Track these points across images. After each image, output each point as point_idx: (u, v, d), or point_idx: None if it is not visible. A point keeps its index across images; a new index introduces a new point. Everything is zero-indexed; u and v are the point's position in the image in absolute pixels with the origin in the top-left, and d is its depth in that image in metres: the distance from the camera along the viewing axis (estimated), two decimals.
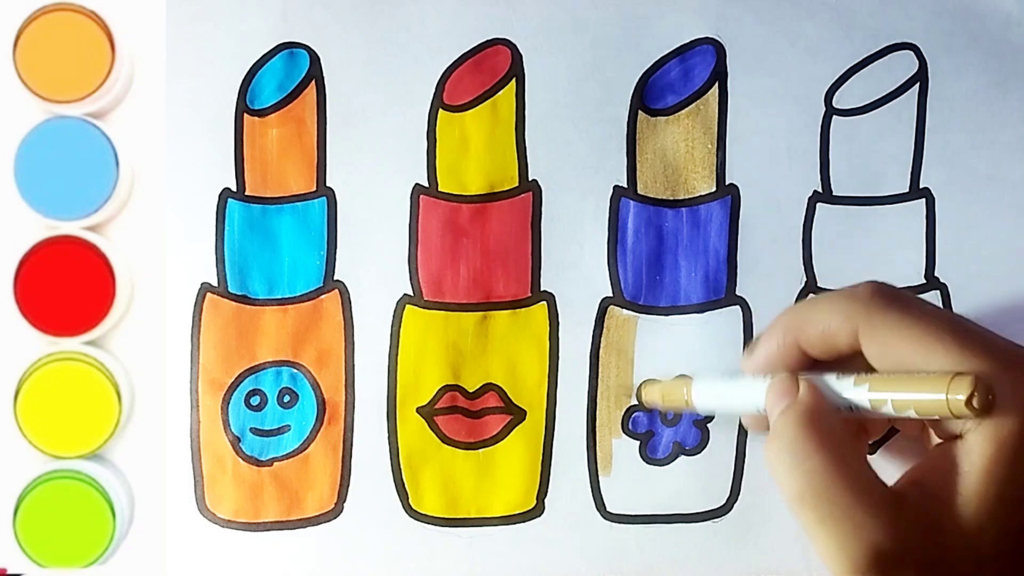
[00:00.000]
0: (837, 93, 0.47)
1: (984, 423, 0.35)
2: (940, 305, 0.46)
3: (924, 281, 0.47)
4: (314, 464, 0.46)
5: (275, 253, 0.47)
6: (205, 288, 0.46)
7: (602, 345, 0.47)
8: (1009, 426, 0.35)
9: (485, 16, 0.47)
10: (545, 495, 0.47)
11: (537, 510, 0.47)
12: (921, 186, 0.47)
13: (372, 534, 0.46)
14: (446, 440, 0.47)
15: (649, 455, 0.47)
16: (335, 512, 0.46)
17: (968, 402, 0.34)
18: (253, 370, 0.46)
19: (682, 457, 0.47)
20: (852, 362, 0.38)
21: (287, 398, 0.46)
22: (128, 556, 0.46)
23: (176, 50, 0.46)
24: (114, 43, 0.44)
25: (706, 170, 0.47)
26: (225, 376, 0.46)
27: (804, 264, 0.47)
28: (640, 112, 0.47)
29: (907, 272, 0.47)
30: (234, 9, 0.46)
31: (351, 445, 0.46)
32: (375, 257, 0.47)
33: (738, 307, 0.47)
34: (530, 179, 0.47)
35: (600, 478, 0.47)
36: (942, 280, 0.47)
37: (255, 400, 0.46)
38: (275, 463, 0.46)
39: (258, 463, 0.46)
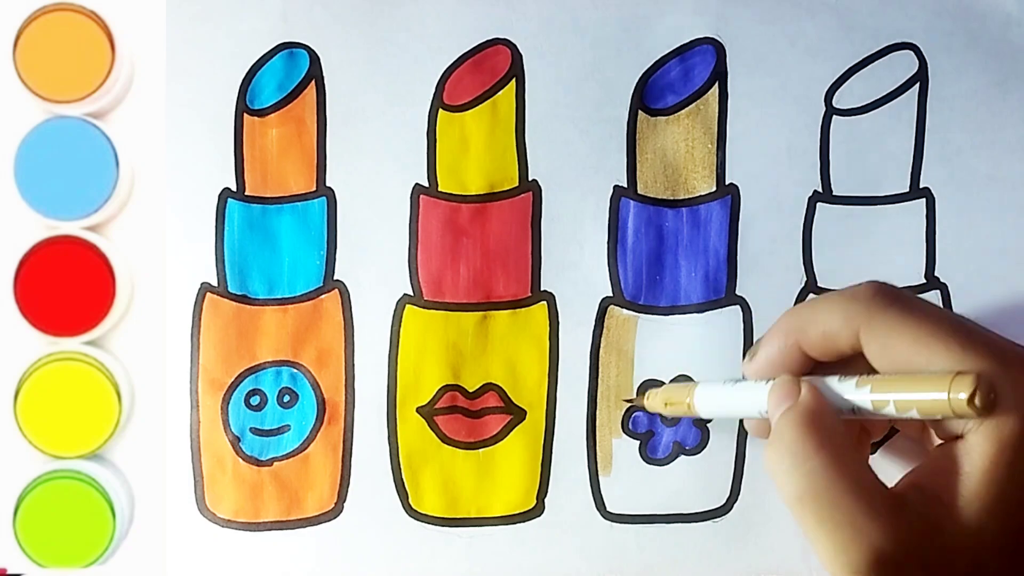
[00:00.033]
0: (837, 93, 0.47)
1: (985, 423, 0.35)
2: (940, 305, 0.46)
3: (924, 281, 0.47)
4: (314, 464, 0.46)
5: (275, 253, 0.47)
6: (205, 288, 0.46)
7: (602, 345, 0.47)
8: (1010, 426, 0.35)
9: (485, 16, 0.47)
10: (545, 495, 0.47)
11: (537, 510, 0.47)
12: (921, 186, 0.47)
13: (372, 534, 0.46)
14: (446, 440, 0.47)
15: (649, 455, 0.47)
16: (335, 512, 0.46)
17: (970, 401, 0.34)
18: (253, 370, 0.46)
19: (682, 457, 0.47)
20: (854, 363, 0.38)
21: (287, 398, 0.46)
22: (128, 556, 0.46)
23: (176, 50, 0.46)
24: (114, 43, 0.44)
25: (706, 170, 0.47)
26: (225, 376, 0.46)
27: (804, 264, 0.47)
28: (640, 112, 0.47)
29: (907, 272, 0.47)
30: (234, 9, 0.46)
31: (351, 445, 0.46)
32: (375, 257, 0.47)
33: (738, 307, 0.47)
34: (530, 179, 0.47)
35: (600, 478, 0.47)
36: (942, 280, 0.47)
37: (255, 400, 0.46)
38: (275, 463, 0.46)
39: (258, 463, 0.46)
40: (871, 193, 0.47)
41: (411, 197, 0.47)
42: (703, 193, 0.47)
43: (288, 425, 0.46)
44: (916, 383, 0.36)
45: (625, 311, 0.47)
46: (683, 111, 0.47)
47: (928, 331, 0.36)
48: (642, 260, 0.47)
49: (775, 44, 0.47)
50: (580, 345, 0.47)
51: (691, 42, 0.47)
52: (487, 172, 0.47)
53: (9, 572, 0.45)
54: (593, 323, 0.47)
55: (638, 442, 0.47)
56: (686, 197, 0.47)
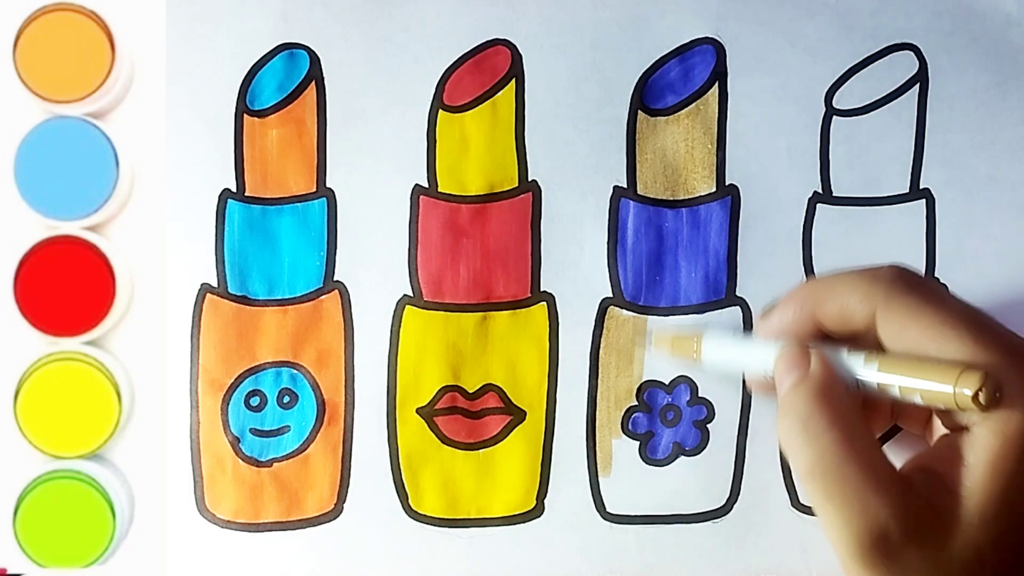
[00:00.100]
0: (837, 93, 0.47)
1: (991, 418, 0.35)
2: None
3: None
4: (314, 464, 0.46)
5: (275, 254, 0.47)
6: (205, 288, 0.46)
7: (602, 345, 0.47)
8: (1016, 421, 0.35)
9: (485, 16, 0.47)
10: (545, 495, 0.47)
11: (537, 510, 0.47)
12: (921, 186, 0.47)
13: (372, 534, 0.46)
14: (446, 440, 0.47)
15: (649, 455, 0.47)
16: (335, 512, 0.46)
17: (975, 397, 0.34)
18: (253, 370, 0.46)
19: (682, 457, 0.47)
20: (864, 341, 0.38)
21: (287, 398, 0.46)
22: (128, 556, 0.46)
23: (176, 50, 0.46)
24: (114, 43, 0.44)
25: (706, 170, 0.47)
26: (225, 376, 0.46)
27: (804, 264, 0.47)
28: (640, 112, 0.47)
29: None
30: (234, 9, 0.46)
31: (351, 445, 0.46)
32: (375, 257, 0.47)
33: (738, 307, 0.47)
34: (530, 179, 0.47)
35: (600, 478, 0.47)
36: (942, 280, 0.47)
37: (255, 401, 0.46)
38: (275, 463, 0.46)
39: (258, 463, 0.46)
40: (871, 194, 0.47)
41: (411, 197, 0.47)
42: (703, 193, 0.47)
43: (288, 426, 0.46)
44: (924, 370, 0.36)
45: (625, 311, 0.47)
46: (683, 111, 0.47)
47: (944, 320, 0.36)
48: (642, 260, 0.47)
49: (775, 44, 0.47)
50: (580, 345, 0.47)
51: (691, 42, 0.47)
52: (487, 172, 0.47)
53: (9, 572, 0.45)
54: (593, 323, 0.47)
55: (638, 443, 0.47)
56: (686, 197, 0.47)
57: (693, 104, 0.47)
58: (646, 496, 0.47)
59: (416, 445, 0.47)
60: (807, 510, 0.47)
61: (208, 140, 0.46)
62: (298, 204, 0.47)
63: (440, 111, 0.47)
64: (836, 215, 0.47)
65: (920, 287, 0.38)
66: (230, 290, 0.46)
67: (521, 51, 0.47)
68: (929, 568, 0.35)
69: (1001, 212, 0.47)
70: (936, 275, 0.47)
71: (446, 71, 0.47)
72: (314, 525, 0.46)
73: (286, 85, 0.46)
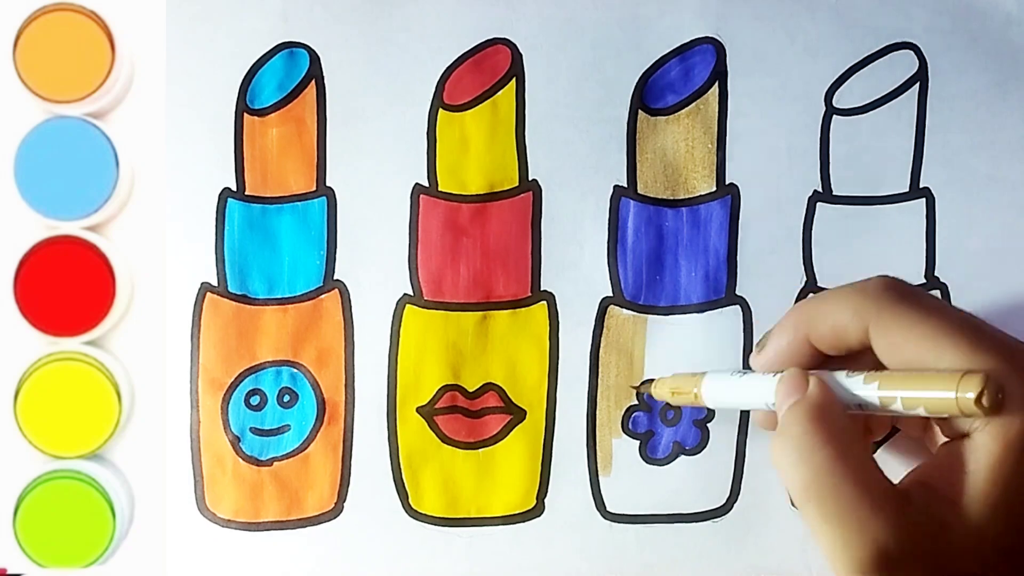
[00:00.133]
0: (837, 93, 0.47)
1: (992, 423, 0.35)
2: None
3: (924, 281, 0.47)
4: (314, 464, 0.46)
5: (275, 253, 0.47)
6: (205, 288, 0.46)
7: (602, 345, 0.47)
8: (1017, 426, 0.35)
9: (485, 16, 0.47)
10: (545, 495, 0.47)
11: (537, 510, 0.47)
12: (921, 186, 0.47)
13: (372, 534, 0.46)
14: (446, 440, 0.47)
15: (649, 455, 0.47)
16: (335, 512, 0.46)
17: (978, 401, 0.34)
18: (253, 370, 0.46)
19: (682, 457, 0.47)
20: (862, 357, 0.38)
21: (287, 398, 0.46)
22: (128, 556, 0.46)
23: (176, 50, 0.46)
24: (114, 43, 0.44)
25: (706, 170, 0.47)
26: (225, 376, 0.46)
27: (804, 264, 0.47)
28: (640, 112, 0.47)
29: (907, 272, 0.47)
30: (234, 9, 0.46)
31: (351, 445, 0.46)
32: (375, 257, 0.47)
33: (738, 307, 0.47)
34: (530, 179, 0.47)
35: (600, 478, 0.47)
36: (942, 280, 0.47)
37: (255, 400, 0.46)
38: (275, 463, 0.46)
39: (258, 463, 0.46)
40: (871, 193, 0.47)
41: (411, 197, 0.47)
42: (703, 193, 0.47)
43: (288, 425, 0.46)
44: (924, 381, 0.36)
45: (625, 311, 0.47)
46: (683, 111, 0.47)
47: (937, 328, 0.36)
48: (642, 260, 0.47)
49: (775, 44, 0.47)
50: (580, 345, 0.47)
51: (691, 42, 0.47)
52: (487, 172, 0.47)
53: (9, 572, 0.45)
54: (593, 323, 0.47)
55: (638, 442, 0.47)
56: (686, 197, 0.47)
57: (693, 104, 0.47)
58: (646, 495, 0.47)
59: (416, 444, 0.47)
60: None
61: (208, 139, 0.46)
62: (298, 203, 0.47)
63: (440, 110, 0.47)
64: (836, 214, 0.47)
65: (910, 297, 0.38)
66: (230, 289, 0.46)
67: (521, 51, 0.47)
68: None
69: (1001, 212, 0.47)
70: (936, 275, 0.47)
71: (446, 70, 0.47)
72: (314, 524, 0.46)
73: (286, 84, 0.46)
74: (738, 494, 0.47)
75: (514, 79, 0.47)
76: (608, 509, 0.47)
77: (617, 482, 0.47)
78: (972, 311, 0.38)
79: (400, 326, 0.47)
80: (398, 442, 0.47)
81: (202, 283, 0.46)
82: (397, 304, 0.47)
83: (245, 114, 0.46)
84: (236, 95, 0.46)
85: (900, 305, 0.37)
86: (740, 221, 0.47)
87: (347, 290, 0.47)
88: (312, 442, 0.46)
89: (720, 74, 0.47)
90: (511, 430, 0.47)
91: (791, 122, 0.47)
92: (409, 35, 0.47)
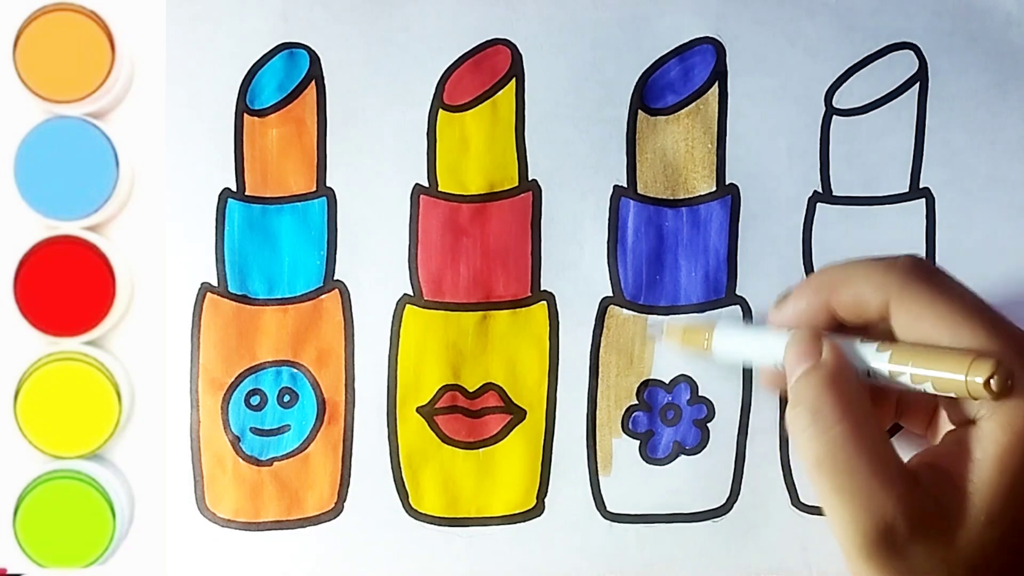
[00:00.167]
0: (837, 93, 0.47)
1: (998, 411, 0.35)
2: None
3: None
4: (314, 464, 0.46)
5: (275, 253, 0.47)
6: (205, 288, 0.46)
7: (602, 344, 0.47)
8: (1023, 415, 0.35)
9: (485, 16, 0.47)
10: (545, 495, 0.47)
11: (537, 510, 0.47)
12: (921, 186, 0.47)
13: (372, 534, 0.46)
14: (446, 440, 0.47)
15: (649, 455, 0.47)
16: (335, 512, 0.46)
17: (987, 384, 0.34)
18: (253, 370, 0.46)
19: (682, 457, 0.47)
20: (877, 331, 0.38)
21: (287, 398, 0.46)
22: (128, 556, 0.46)
23: (176, 50, 0.46)
24: (114, 43, 0.44)
25: (706, 170, 0.47)
26: (225, 376, 0.46)
27: (804, 264, 0.47)
28: (640, 112, 0.47)
29: None
30: (234, 9, 0.46)
31: (351, 445, 0.46)
32: (375, 257, 0.47)
33: (738, 307, 0.47)
34: (530, 179, 0.47)
35: (600, 478, 0.47)
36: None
37: (255, 400, 0.46)
38: (275, 463, 0.46)
39: (258, 463, 0.46)
40: (871, 193, 0.47)
41: (411, 197, 0.47)
42: (703, 193, 0.47)
43: (288, 425, 0.46)
44: (936, 358, 0.36)
45: (625, 311, 0.47)
46: (683, 111, 0.47)
47: (958, 311, 0.36)
48: (642, 260, 0.47)
49: (775, 44, 0.47)
50: (580, 345, 0.47)
51: (691, 42, 0.47)
52: (487, 172, 0.47)
53: (9, 572, 0.45)
54: (593, 323, 0.47)
55: (638, 442, 0.47)
56: (686, 197, 0.47)
57: (693, 104, 0.47)
58: (646, 495, 0.47)
59: (416, 444, 0.47)
60: (807, 509, 0.47)
61: (208, 140, 0.46)
62: (298, 203, 0.47)
63: (440, 111, 0.47)
64: (836, 215, 0.47)
65: (935, 277, 0.38)
66: (230, 289, 0.46)
67: (521, 51, 0.47)
68: (935, 564, 0.35)
69: (1001, 212, 0.47)
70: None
71: (446, 71, 0.47)
72: (314, 524, 0.46)
73: (286, 85, 0.46)
74: (738, 494, 0.47)
75: (514, 79, 0.47)
76: (608, 509, 0.47)
77: (617, 482, 0.47)
78: None
79: (400, 326, 0.47)
80: (398, 442, 0.47)
81: (202, 283, 0.46)
82: (397, 304, 0.47)
83: (245, 115, 0.46)
84: (236, 95, 0.46)
85: (924, 283, 0.37)
86: (740, 221, 0.47)
87: (347, 290, 0.47)
88: (312, 442, 0.46)
89: (720, 74, 0.47)
90: (511, 430, 0.47)
91: (791, 122, 0.47)
92: (409, 35, 0.47)
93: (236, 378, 0.46)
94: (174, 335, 0.46)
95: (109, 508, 0.44)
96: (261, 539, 0.46)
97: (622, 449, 0.47)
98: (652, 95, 0.47)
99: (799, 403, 0.38)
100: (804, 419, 0.37)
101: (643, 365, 0.47)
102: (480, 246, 0.47)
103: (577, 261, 0.47)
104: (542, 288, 0.47)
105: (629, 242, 0.47)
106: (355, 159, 0.47)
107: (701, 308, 0.47)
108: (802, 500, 0.47)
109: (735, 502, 0.47)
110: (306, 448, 0.46)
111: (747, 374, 0.47)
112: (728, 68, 0.47)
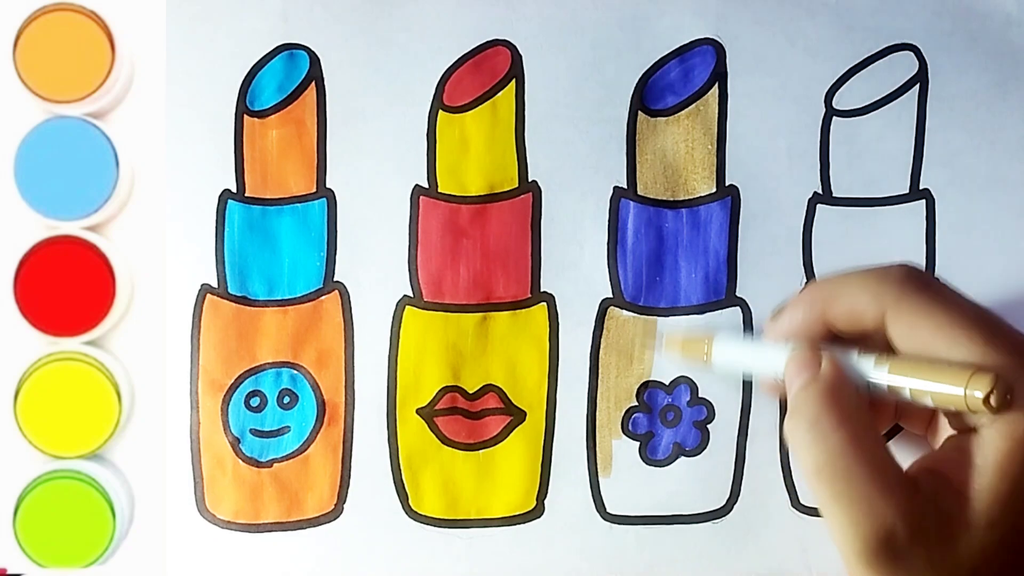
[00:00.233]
0: (837, 93, 0.47)
1: (1000, 420, 0.35)
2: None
3: None
4: (314, 465, 0.46)
5: (275, 254, 0.47)
6: (205, 289, 0.46)
7: (602, 346, 0.47)
8: None
9: (485, 16, 0.47)
10: (545, 496, 0.47)
11: (537, 511, 0.47)
12: (921, 187, 0.47)
13: (372, 535, 0.46)
14: (446, 441, 0.47)
15: (649, 456, 0.47)
16: (335, 513, 0.46)
17: (986, 400, 0.34)
18: (253, 371, 0.46)
19: (682, 458, 0.47)
20: (874, 341, 0.38)
21: (287, 399, 0.46)
22: (128, 556, 0.46)
23: (176, 50, 0.46)
24: (114, 43, 0.44)
25: (706, 170, 0.47)
26: (225, 377, 0.46)
27: (804, 264, 0.47)
28: (640, 113, 0.47)
29: None
30: (234, 9, 0.46)
31: (351, 446, 0.46)
32: (375, 258, 0.47)
33: (738, 308, 0.47)
34: (530, 180, 0.47)
35: (600, 479, 0.47)
36: (942, 280, 0.47)
37: (255, 401, 0.46)
38: (275, 464, 0.46)
39: (258, 464, 0.46)
40: (871, 194, 0.47)
41: (411, 198, 0.47)
42: (703, 194, 0.47)
43: (288, 426, 0.46)
44: (934, 372, 0.36)
45: (625, 312, 0.47)
46: (683, 112, 0.47)
47: (954, 320, 0.36)
48: (642, 261, 0.47)
49: (775, 45, 0.47)
50: (580, 346, 0.47)
51: (691, 42, 0.47)
52: (487, 173, 0.47)
53: (9, 572, 0.45)
54: (593, 324, 0.47)
55: (638, 443, 0.47)
56: (686, 198, 0.47)
57: (693, 104, 0.47)
58: (646, 496, 0.47)
59: (416, 445, 0.47)
60: (807, 511, 0.47)
61: (208, 140, 0.46)
62: (298, 204, 0.47)
63: (440, 111, 0.47)
64: (836, 215, 0.47)
65: (931, 287, 0.38)
66: (230, 290, 0.46)
67: (521, 51, 0.47)
68: (935, 571, 0.35)
69: (1001, 212, 0.47)
70: (936, 276, 0.47)
71: (446, 71, 0.47)
72: (314, 525, 0.46)
73: (286, 85, 0.46)
74: (738, 495, 0.47)
75: (514, 80, 0.47)
76: (608, 510, 0.47)
77: (617, 483, 0.47)
78: None
79: (400, 327, 0.47)
80: (398, 443, 0.47)
81: (202, 284, 0.46)
82: (397, 305, 0.47)
83: (245, 115, 0.46)
84: (236, 96, 0.46)
85: (920, 293, 0.37)
86: (740, 222, 0.47)
87: (347, 291, 0.47)
88: (312, 443, 0.46)
89: (720, 75, 0.47)
90: (511, 431, 0.47)
91: (791, 123, 0.47)
92: (409, 36, 0.47)
93: (236, 379, 0.46)
94: (174, 336, 0.46)
95: (109, 508, 0.44)
96: (261, 540, 0.46)
97: (622, 450, 0.47)
98: (652, 96, 0.47)
99: (797, 414, 0.38)
100: (802, 428, 0.37)
101: (643, 366, 0.47)
102: (480, 247, 0.47)
103: (577, 262, 0.47)
104: (542, 289, 0.47)
105: (629, 243, 0.47)
106: (355, 160, 0.47)
107: (701, 309, 0.47)
108: (802, 502, 0.47)
109: (735, 503, 0.47)
110: (306, 449, 0.46)
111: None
112: (728, 69, 0.47)
